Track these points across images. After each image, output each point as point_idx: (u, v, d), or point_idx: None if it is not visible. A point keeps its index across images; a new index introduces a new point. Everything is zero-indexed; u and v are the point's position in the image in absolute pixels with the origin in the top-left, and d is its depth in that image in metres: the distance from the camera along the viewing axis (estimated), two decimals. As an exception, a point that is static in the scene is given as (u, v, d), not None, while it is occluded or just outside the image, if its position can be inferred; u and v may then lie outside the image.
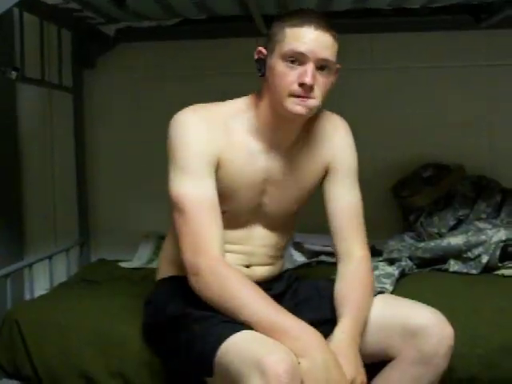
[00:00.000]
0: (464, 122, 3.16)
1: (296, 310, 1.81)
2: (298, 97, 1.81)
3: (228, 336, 1.67)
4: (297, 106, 1.81)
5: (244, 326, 1.71)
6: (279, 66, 1.82)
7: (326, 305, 1.95)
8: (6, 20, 2.88)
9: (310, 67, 1.79)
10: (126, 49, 3.22)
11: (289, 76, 1.80)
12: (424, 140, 3.17)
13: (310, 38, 1.79)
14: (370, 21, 3.10)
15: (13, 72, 2.49)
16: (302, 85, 1.79)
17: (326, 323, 1.88)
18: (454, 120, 3.16)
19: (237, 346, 1.65)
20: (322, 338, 1.71)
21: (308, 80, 1.78)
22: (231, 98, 2.00)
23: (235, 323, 1.72)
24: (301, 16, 1.83)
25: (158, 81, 3.25)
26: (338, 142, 2.04)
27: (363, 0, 2.61)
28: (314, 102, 1.82)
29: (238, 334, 1.68)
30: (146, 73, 3.26)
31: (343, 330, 1.81)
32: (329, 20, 1.84)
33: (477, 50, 3.15)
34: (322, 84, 1.82)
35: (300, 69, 1.80)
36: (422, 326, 1.82)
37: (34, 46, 2.79)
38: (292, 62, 1.80)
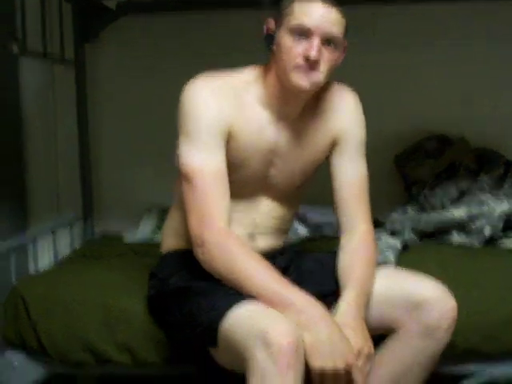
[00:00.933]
0: (467, 94, 3.15)
1: (300, 283, 1.81)
2: (303, 70, 1.80)
3: (232, 307, 1.69)
4: (301, 80, 1.81)
5: (249, 297, 1.72)
6: (286, 40, 1.82)
7: (329, 277, 1.96)
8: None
9: (315, 41, 1.78)
10: (127, 22, 3.19)
11: (295, 49, 1.80)
12: (427, 112, 3.16)
13: (317, 13, 1.79)
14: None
15: (14, 46, 2.48)
16: (307, 59, 1.79)
17: (329, 296, 1.89)
18: (457, 92, 3.15)
19: (241, 317, 1.67)
20: (327, 312, 1.72)
21: (313, 54, 1.78)
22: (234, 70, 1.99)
23: (240, 295, 1.74)
24: None
25: (159, 54, 3.23)
26: (346, 115, 2.03)
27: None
28: (319, 76, 1.82)
29: (243, 305, 1.69)
30: (148, 46, 3.24)
31: (348, 301, 1.82)
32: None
33: (482, 22, 3.12)
34: (327, 59, 1.82)
35: (306, 43, 1.79)
36: (425, 298, 1.83)
37: (34, 19, 2.78)
38: (299, 36, 1.80)
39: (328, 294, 1.91)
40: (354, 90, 2.07)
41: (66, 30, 3.03)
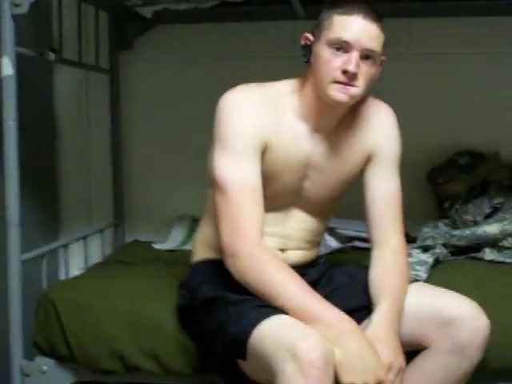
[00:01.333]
0: (501, 109, 3.12)
1: (330, 297, 1.81)
2: (341, 84, 1.80)
3: (262, 319, 1.68)
4: (339, 93, 1.81)
5: (279, 310, 1.71)
6: (324, 53, 1.82)
7: (360, 292, 1.95)
8: (43, 2, 2.89)
9: (354, 55, 1.78)
10: (162, 31, 3.22)
11: (333, 62, 1.80)
12: (460, 127, 3.13)
13: (357, 27, 1.79)
14: (408, 5, 3.06)
15: (51, 53, 2.51)
16: (345, 72, 1.79)
17: (360, 310, 1.89)
18: (491, 107, 3.12)
19: (271, 330, 1.66)
20: (357, 326, 1.71)
21: (352, 68, 1.78)
22: (268, 81, 1.99)
23: (270, 308, 1.73)
24: (350, 5, 1.82)
25: (194, 63, 3.24)
26: (382, 129, 2.02)
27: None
28: (356, 90, 1.82)
29: (273, 317, 1.69)
30: (182, 55, 3.25)
31: (381, 314, 1.81)
32: (378, 12, 1.84)
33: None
34: (365, 73, 1.82)
35: (344, 56, 1.79)
36: (457, 315, 1.81)
37: (71, 27, 2.81)
38: (337, 49, 1.80)
39: (358, 308, 1.90)
40: (389, 106, 2.07)
41: (102, 38, 3.06)
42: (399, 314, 1.85)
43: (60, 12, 2.65)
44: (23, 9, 2.18)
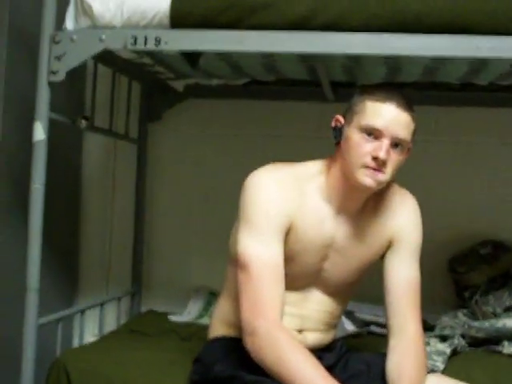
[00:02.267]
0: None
1: (346, 383, 1.78)
2: (370, 169, 1.82)
3: None
4: (367, 179, 1.83)
5: None
6: (355, 137, 1.85)
7: (378, 381, 1.93)
8: (79, 71, 2.96)
9: (385, 143, 1.81)
10: (192, 104, 3.27)
11: (364, 148, 1.83)
12: (483, 216, 3.13)
13: (389, 116, 1.82)
14: (435, 93, 3.11)
15: (82, 121, 2.55)
16: (375, 158, 1.81)
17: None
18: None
19: None
20: None
21: (382, 155, 1.80)
22: (294, 161, 2.02)
23: None
24: (384, 92, 1.86)
25: (222, 138, 3.28)
26: (404, 217, 2.04)
27: (432, 73, 2.63)
28: (385, 176, 1.84)
29: None
30: (211, 129, 3.29)
31: None
32: (410, 100, 1.87)
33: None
34: (394, 160, 1.84)
35: (375, 143, 1.82)
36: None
37: (103, 96, 2.86)
38: (368, 134, 1.83)
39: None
40: (412, 195, 2.09)
41: (133, 108, 3.11)
42: None
43: (94, 81, 2.70)
44: (60, 76, 2.24)
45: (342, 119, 1.93)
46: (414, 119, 1.87)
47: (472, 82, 2.80)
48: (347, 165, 1.87)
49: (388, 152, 1.81)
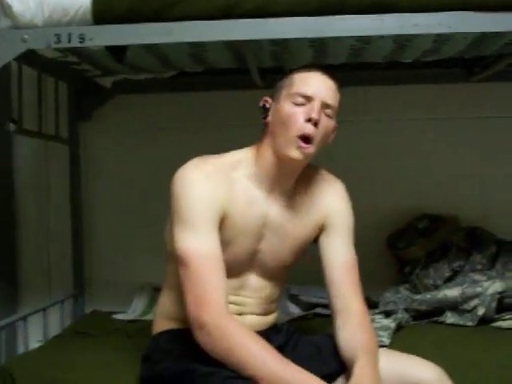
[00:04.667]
0: (458, 174, 3.19)
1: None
2: (299, 141, 1.87)
3: None
4: (296, 152, 1.88)
5: (249, 380, 1.70)
6: (286, 107, 1.91)
7: (328, 360, 1.95)
8: (3, 73, 2.90)
9: (316, 104, 1.88)
10: (122, 101, 3.24)
11: (296, 115, 1.89)
12: (418, 191, 3.19)
13: (317, 82, 1.91)
14: (364, 73, 3.15)
15: (11, 124, 2.51)
16: (308, 120, 1.86)
17: (331, 378, 1.89)
18: (448, 171, 3.19)
19: None
20: None
21: (315, 115, 1.86)
22: (227, 150, 2.04)
23: (241, 378, 1.71)
24: (308, 66, 1.97)
25: (153, 133, 3.27)
26: (334, 200, 2.09)
27: (358, 54, 2.65)
28: (312, 149, 1.90)
29: None
30: (141, 125, 3.28)
31: (361, 365, 1.81)
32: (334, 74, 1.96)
33: (470, 103, 3.18)
34: (324, 126, 1.90)
35: (307, 106, 1.89)
36: (421, 381, 1.81)
37: (30, 98, 2.81)
38: (298, 104, 1.89)
39: (330, 376, 1.89)
40: (339, 180, 2.14)
41: (61, 109, 3.06)
42: (377, 366, 1.84)
43: (20, 83, 2.65)
44: (-18, 80, 2.19)
45: (269, 99, 1.99)
46: (339, 90, 1.95)
47: (397, 60, 2.84)
48: (277, 139, 1.92)
49: (320, 113, 1.88)
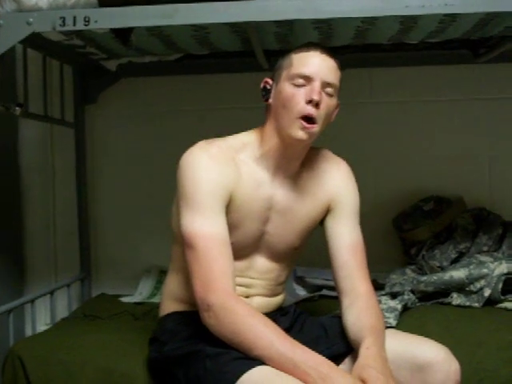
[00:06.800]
0: (464, 155, 3.19)
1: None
2: (303, 121, 1.86)
3: (242, 373, 1.67)
4: (300, 132, 1.88)
5: (258, 362, 1.70)
6: (286, 89, 1.91)
7: (335, 341, 1.96)
8: (8, 56, 2.90)
9: (316, 85, 1.87)
10: (127, 84, 3.24)
11: (296, 96, 1.89)
12: (424, 173, 3.18)
13: (316, 61, 1.90)
14: (369, 55, 3.13)
15: (16, 108, 2.50)
16: (309, 102, 1.86)
17: (337, 358, 1.89)
18: (454, 153, 3.18)
19: (252, 383, 1.66)
20: (341, 369, 1.72)
21: (315, 96, 1.86)
22: (232, 133, 2.04)
23: (248, 359, 1.72)
24: (307, 44, 1.96)
25: (158, 115, 3.27)
26: (340, 182, 2.09)
27: (363, 35, 2.64)
28: (316, 128, 1.89)
29: (253, 369, 1.68)
30: (147, 107, 3.28)
31: (367, 346, 1.80)
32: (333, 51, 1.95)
33: (475, 84, 3.17)
34: (325, 106, 1.90)
35: (307, 88, 1.88)
36: (428, 361, 1.81)
37: (35, 81, 2.81)
38: (298, 85, 1.89)
39: (337, 356, 1.90)
40: (345, 162, 2.15)
41: (67, 92, 3.06)
42: (384, 347, 1.84)
43: (25, 66, 2.65)
44: (-13, 64, 2.19)
45: (270, 81, 1.99)
46: (339, 67, 1.94)
47: (403, 41, 2.83)
48: (280, 121, 1.92)
49: (320, 93, 1.87)
